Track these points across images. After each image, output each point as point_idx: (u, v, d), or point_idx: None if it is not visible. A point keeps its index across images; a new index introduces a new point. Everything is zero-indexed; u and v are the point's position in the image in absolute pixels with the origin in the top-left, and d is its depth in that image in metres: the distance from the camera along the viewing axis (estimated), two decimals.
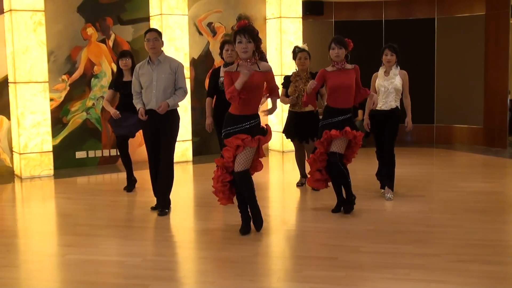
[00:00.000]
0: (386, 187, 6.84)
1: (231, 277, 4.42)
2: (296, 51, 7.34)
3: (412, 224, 5.70)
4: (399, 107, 6.80)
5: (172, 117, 6.18)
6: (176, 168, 8.67)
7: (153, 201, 6.92)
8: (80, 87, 9.10)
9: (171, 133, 6.18)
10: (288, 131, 7.44)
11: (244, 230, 5.47)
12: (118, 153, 7.67)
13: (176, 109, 6.25)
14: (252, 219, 5.51)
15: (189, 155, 9.55)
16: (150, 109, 6.12)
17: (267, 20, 10.64)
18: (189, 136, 9.61)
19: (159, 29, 9.28)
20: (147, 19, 9.58)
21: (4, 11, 8.43)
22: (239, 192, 5.50)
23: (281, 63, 10.34)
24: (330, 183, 6.28)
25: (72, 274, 4.55)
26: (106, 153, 9.36)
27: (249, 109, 5.34)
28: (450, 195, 6.97)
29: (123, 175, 8.67)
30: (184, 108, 9.49)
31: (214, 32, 10.19)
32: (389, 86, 6.71)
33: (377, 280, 4.27)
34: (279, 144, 10.42)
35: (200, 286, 4.29)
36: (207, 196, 6.91)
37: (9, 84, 8.52)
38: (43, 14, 8.37)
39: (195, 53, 9.92)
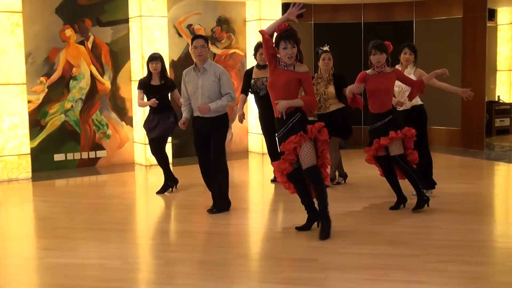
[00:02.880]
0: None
1: (211, 279, 4.41)
2: (320, 52, 7.44)
3: (391, 225, 5.74)
4: (420, 103, 6.93)
5: (219, 122, 6.24)
6: (156, 170, 8.64)
7: (132, 203, 6.88)
8: (58, 89, 9.02)
9: (219, 137, 6.24)
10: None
11: (304, 227, 5.53)
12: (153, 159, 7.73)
13: (225, 114, 6.30)
14: (320, 222, 5.39)
15: (169, 157, 9.50)
16: (197, 116, 6.22)
17: (246, 22, 10.64)
18: (169, 138, 9.56)
19: (138, 31, 9.26)
20: (126, 20, 9.54)
21: None
22: (302, 189, 5.48)
23: None
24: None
25: (51, 277, 4.51)
26: (84, 155, 9.29)
27: (288, 108, 5.27)
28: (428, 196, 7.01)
29: (102, 177, 8.63)
30: None
31: (193, 34, 10.17)
32: (403, 85, 6.80)
33: (357, 281, 4.30)
34: (259, 146, 10.43)
35: None
36: (188, 198, 6.90)
37: None
38: (20, 15, 8.29)
39: (174, 55, 9.89)
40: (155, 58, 7.27)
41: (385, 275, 4.39)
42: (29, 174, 8.49)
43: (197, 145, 6.34)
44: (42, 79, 8.88)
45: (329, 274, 4.43)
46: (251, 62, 10.55)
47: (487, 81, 11.07)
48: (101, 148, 9.43)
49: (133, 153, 9.71)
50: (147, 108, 7.36)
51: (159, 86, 7.24)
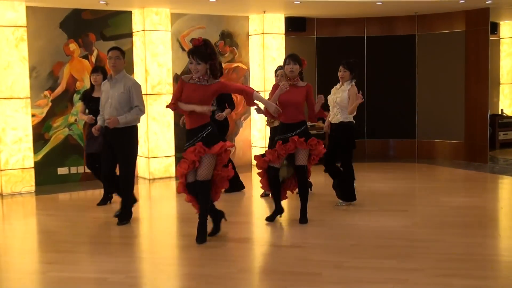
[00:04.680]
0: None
1: None
2: (277, 69, 7.57)
3: (395, 239, 5.72)
4: (349, 120, 7.01)
5: (126, 134, 6.32)
6: (159, 184, 8.67)
7: (135, 217, 6.86)
8: (62, 103, 9.05)
9: (124, 149, 6.35)
10: (270, 145, 7.68)
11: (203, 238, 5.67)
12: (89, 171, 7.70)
13: (133, 127, 6.40)
14: (199, 229, 5.64)
15: (172, 170, 9.51)
16: (106, 126, 6.33)
17: (250, 36, 10.68)
18: (172, 152, 9.59)
19: (142, 45, 9.30)
20: (130, 35, 9.58)
21: None
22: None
23: (264, 78, 10.37)
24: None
25: None
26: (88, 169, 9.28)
27: (198, 121, 5.49)
28: (432, 209, 7.01)
29: None
30: (167, 124, 9.47)
31: None
32: (336, 99, 7.03)
33: None
34: None
35: None
36: (190, 212, 6.88)
37: None
38: (25, 30, 8.33)
39: (178, 69, 9.92)
40: (96, 70, 7.34)
41: None
42: (33, 188, 8.49)
43: (104, 154, 6.46)
44: (46, 93, 8.91)
45: None
46: (254, 76, 10.59)
47: (490, 95, 11.07)
48: None
49: (136, 167, 9.70)
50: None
51: (99, 98, 7.20)
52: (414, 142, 11.41)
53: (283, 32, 10.57)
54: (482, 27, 10.43)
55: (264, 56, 10.43)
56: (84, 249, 5.62)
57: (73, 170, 9.19)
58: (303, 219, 6.36)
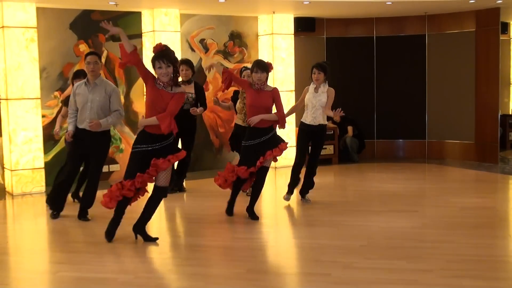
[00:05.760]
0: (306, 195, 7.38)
1: None
2: (242, 70, 7.70)
3: (405, 240, 5.71)
4: (325, 122, 7.25)
5: (103, 139, 6.54)
6: None
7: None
8: None
9: (100, 151, 6.59)
10: (232, 143, 7.86)
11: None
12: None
13: (108, 131, 6.58)
14: (139, 224, 5.85)
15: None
16: (83, 129, 6.44)
17: (259, 37, 10.68)
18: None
19: (151, 46, 9.32)
20: (139, 35, 9.61)
21: None
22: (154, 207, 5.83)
23: (273, 79, 10.36)
24: None
25: None
26: None
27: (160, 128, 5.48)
28: (442, 210, 6.98)
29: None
30: None
31: (206, 49, 10.22)
32: (316, 103, 7.13)
33: None
34: None
35: None
36: (199, 212, 6.89)
37: (1, 100, 8.50)
38: (35, 31, 8.38)
39: None
40: (78, 75, 7.26)
41: None
42: (43, 188, 8.53)
43: (75, 155, 6.57)
44: (56, 93, 8.95)
45: None
46: None
47: (501, 95, 11.00)
48: (114, 162, 9.47)
49: None
50: None
51: None
52: (424, 142, 11.37)
53: (293, 32, 10.57)
54: (493, 27, 10.38)
55: (273, 57, 10.42)
56: (94, 249, 5.64)
57: None
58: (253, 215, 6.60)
